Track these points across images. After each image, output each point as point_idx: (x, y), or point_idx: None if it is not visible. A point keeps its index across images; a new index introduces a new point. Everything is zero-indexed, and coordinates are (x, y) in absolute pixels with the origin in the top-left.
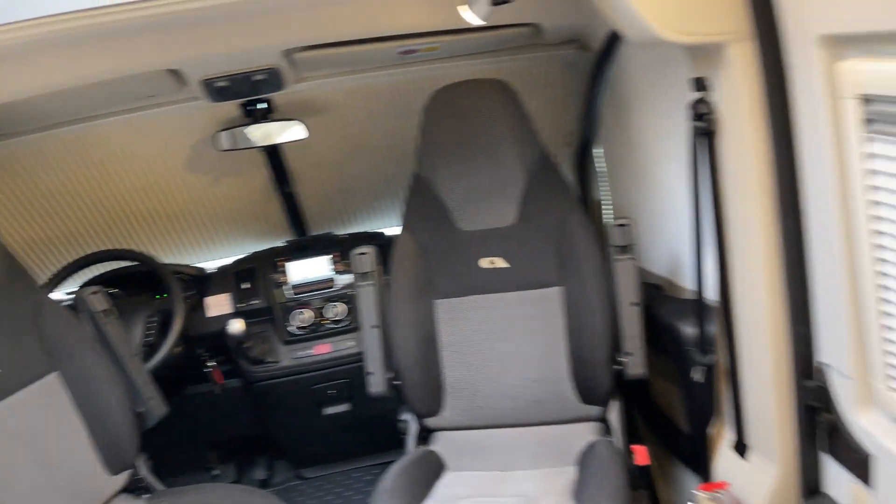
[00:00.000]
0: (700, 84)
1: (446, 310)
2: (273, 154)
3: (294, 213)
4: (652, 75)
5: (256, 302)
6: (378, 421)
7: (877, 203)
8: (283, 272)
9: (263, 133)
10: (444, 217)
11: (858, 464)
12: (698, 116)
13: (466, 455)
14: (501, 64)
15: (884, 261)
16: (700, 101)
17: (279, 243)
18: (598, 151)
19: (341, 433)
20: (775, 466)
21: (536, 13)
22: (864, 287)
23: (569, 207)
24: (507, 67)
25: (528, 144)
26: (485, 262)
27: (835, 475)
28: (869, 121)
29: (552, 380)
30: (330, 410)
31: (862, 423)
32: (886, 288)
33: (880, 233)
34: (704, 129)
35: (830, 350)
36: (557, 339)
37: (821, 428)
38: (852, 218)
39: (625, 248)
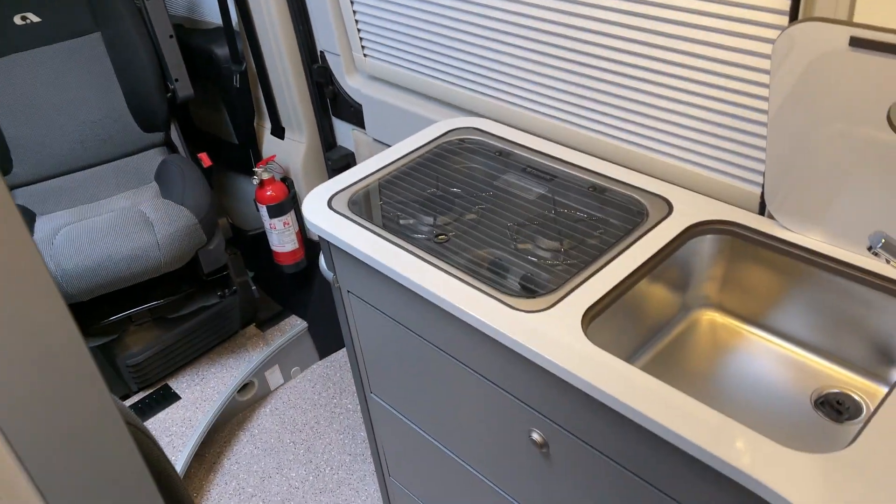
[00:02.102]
0: None
1: None
2: None
3: None
4: None
5: None
6: None
7: None
8: None
9: None
10: None
11: (354, 115)
12: None
13: (50, 201)
14: None
15: None
16: None
17: None
18: None
19: None
20: (304, 136)
21: None
22: None
23: None
24: None
25: None
26: (18, 19)
27: (342, 129)
28: None
29: (113, 117)
30: None
31: (351, 84)
32: None
33: None
34: None
35: (325, 39)
36: (109, 81)
37: (328, 97)
38: None
39: None
